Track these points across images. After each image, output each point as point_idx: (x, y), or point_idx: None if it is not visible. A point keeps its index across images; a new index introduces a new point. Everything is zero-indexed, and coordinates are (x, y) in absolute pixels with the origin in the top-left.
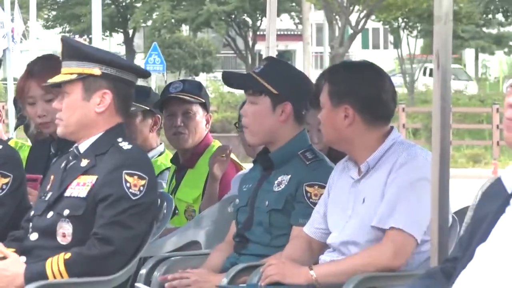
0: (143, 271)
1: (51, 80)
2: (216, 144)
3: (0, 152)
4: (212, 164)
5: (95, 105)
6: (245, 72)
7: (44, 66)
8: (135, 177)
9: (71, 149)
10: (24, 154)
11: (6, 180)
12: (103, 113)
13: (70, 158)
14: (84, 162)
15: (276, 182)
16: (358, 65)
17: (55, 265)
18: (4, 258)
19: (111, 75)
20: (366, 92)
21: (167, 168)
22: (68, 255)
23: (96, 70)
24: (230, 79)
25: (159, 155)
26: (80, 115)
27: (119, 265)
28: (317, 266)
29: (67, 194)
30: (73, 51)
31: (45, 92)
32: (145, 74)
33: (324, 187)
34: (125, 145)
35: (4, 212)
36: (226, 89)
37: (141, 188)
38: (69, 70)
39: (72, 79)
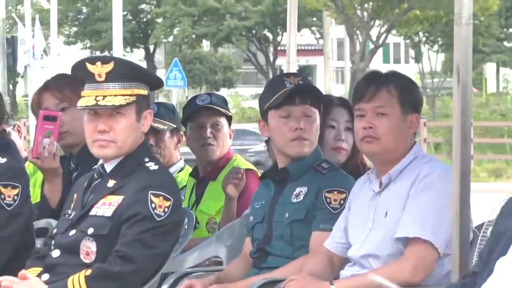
0: (164, 286)
1: (113, 103)
2: (237, 158)
3: (6, 164)
4: (225, 186)
5: (142, 126)
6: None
7: (59, 79)
8: (161, 198)
9: (96, 166)
10: None
11: (16, 191)
12: (143, 133)
13: (95, 176)
14: (111, 183)
15: (293, 193)
16: (404, 75)
17: (76, 281)
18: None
19: (149, 94)
20: (422, 103)
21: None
22: (89, 271)
23: (145, 91)
24: (297, 93)
25: (180, 171)
26: (135, 137)
27: (139, 283)
28: (338, 281)
29: (92, 213)
30: (128, 72)
31: (59, 101)
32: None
33: (343, 192)
34: (152, 166)
35: (23, 221)
36: (247, 104)
37: (166, 209)
38: (124, 91)
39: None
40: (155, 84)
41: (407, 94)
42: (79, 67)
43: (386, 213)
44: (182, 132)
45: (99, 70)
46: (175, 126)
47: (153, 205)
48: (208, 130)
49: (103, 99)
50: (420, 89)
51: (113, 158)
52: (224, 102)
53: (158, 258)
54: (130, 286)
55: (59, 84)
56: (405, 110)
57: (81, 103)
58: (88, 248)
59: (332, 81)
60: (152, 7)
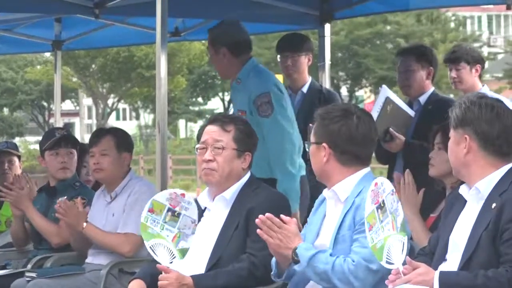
0: None
1: None
2: None
3: None
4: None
5: None
6: None
7: None
8: None
9: None
10: None
11: None
12: None
13: None
14: None
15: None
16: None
17: None
18: None
19: None
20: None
21: None
22: None
23: None
24: None
25: None
26: None
27: None
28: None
29: None
30: None
31: None
32: None
33: (85, 199)
34: None
35: None
36: (32, 147)
37: None
38: None
39: None
40: None
41: (125, 139)
42: None
43: (113, 215)
44: None
45: None
46: None
47: None
48: (6, 165)
49: None
50: (139, 136)
51: None
52: (15, 146)
53: None
54: None
55: None
56: (121, 150)
57: None
58: None
59: (84, 132)
60: None
